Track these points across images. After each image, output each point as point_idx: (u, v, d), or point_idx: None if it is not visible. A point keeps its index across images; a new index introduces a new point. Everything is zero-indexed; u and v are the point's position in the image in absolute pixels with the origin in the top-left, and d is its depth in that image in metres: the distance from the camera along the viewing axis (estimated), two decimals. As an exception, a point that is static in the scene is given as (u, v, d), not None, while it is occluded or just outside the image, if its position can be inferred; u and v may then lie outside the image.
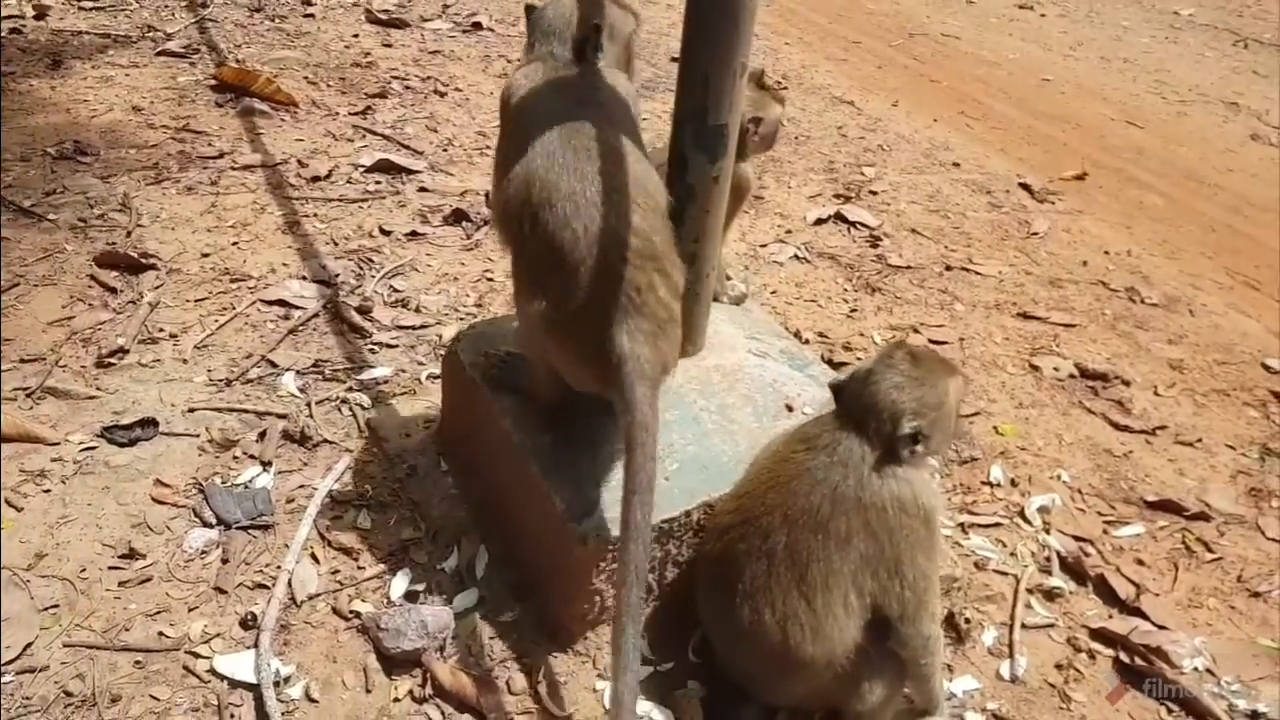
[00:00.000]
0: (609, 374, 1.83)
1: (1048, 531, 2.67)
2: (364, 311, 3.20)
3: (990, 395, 3.18)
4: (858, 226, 4.26)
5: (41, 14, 5.66)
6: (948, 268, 4.01)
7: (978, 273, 4.00)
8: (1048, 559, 2.58)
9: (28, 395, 2.66)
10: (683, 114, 2.02)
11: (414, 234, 3.76)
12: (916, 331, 3.48)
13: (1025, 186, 4.92)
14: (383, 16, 6.22)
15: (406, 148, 4.48)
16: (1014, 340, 3.55)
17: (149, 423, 2.58)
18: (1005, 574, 2.51)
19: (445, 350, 2.52)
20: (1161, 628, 2.38)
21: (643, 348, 1.82)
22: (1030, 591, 2.46)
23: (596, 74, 1.99)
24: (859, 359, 3.28)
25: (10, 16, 5.55)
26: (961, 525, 2.63)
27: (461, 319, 3.26)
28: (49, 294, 3.11)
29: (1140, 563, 2.62)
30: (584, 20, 2.00)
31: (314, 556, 2.26)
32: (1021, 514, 2.72)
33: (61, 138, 4.13)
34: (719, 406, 2.20)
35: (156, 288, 3.20)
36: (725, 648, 1.94)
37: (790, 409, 2.24)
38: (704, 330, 2.30)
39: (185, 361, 2.87)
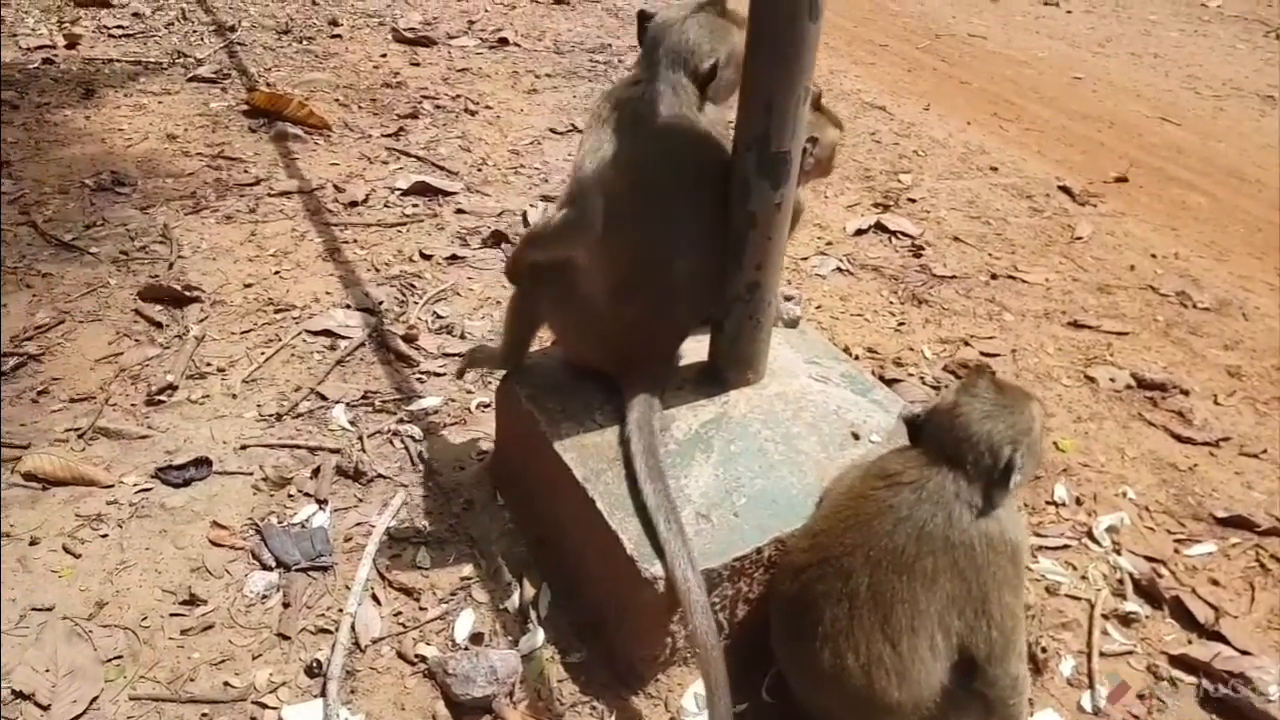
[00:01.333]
0: (653, 371, 2.21)
1: (1118, 552, 2.60)
2: (410, 340, 3.17)
3: (1047, 409, 3.11)
4: (899, 236, 4.20)
5: (73, 43, 5.69)
6: (993, 276, 3.94)
7: (1024, 280, 3.93)
8: (1120, 581, 2.51)
9: (79, 436, 2.65)
10: (745, 140, 1.97)
11: (454, 257, 3.73)
12: (967, 344, 3.41)
13: (1065, 189, 4.84)
14: (409, 35, 6.21)
15: (441, 169, 4.46)
16: (1067, 350, 3.48)
17: (202, 462, 2.56)
18: (1078, 599, 2.44)
19: (499, 382, 2.48)
20: (1244, 653, 2.31)
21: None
22: (1105, 617, 2.40)
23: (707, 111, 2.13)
24: (910, 374, 3.22)
25: (42, 46, 5.59)
26: (1030, 548, 2.57)
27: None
28: (95, 330, 3.10)
29: (1215, 583, 2.54)
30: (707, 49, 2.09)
31: (375, 598, 2.23)
32: (1089, 534, 2.65)
33: (99, 169, 4.14)
34: (784, 436, 2.15)
35: (201, 320, 3.18)
36: (805, 691, 1.89)
37: (856, 437, 2.18)
38: (765, 357, 2.25)
39: (234, 397, 2.85)
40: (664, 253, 2.08)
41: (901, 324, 3.53)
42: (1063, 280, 3.96)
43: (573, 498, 2.10)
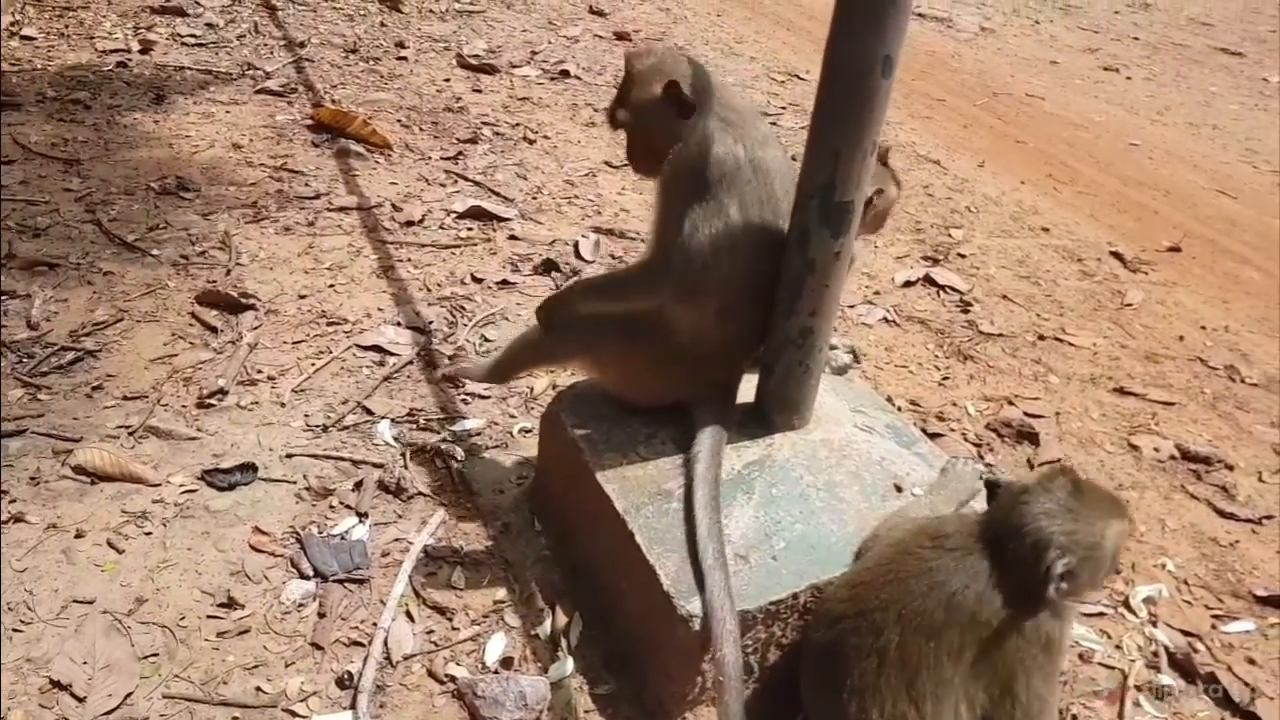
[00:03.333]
0: (726, 398, 2.28)
1: (1154, 624, 2.56)
2: (456, 361, 3.21)
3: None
4: (947, 290, 4.19)
5: (146, 49, 5.86)
6: (1040, 337, 3.92)
7: (1071, 344, 3.90)
8: (1155, 654, 2.47)
9: (130, 434, 2.70)
10: (808, 188, 2.00)
11: (505, 283, 3.78)
12: (1011, 404, 3.39)
13: (1117, 255, 4.81)
14: (473, 62, 6.33)
15: (497, 194, 4.53)
16: (1111, 417, 3.44)
17: (248, 467, 2.60)
18: (1111, 668, 2.40)
19: (545, 409, 2.51)
20: (1280, 737, 2.26)
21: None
22: (1139, 688, 2.35)
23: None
24: (952, 430, 3.21)
25: (117, 50, 5.76)
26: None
27: (550, 371, 3.25)
28: (151, 330, 3.17)
29: (1252, 662, 2.50)
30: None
31: (409, 614, 2.24)
32: (1126, 603, 2.61)
33: (164, 173, 4.25)
34: (826, 484, 2.14)
35: (255, 328, 3.24)
36: (831, 740, 1.87)
37: (899, 489, 2.18)
38: (812, 403, 2.26)
39: (283, 405, 2.89)
40: (769, 273, 2.14)
41: (946, 379, 3.52)
42: (1110, 346, 3.93)
43: (611, 529, 2.11)
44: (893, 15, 1.86)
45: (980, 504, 2.12)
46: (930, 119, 6.77)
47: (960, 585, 1.69)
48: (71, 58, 5.49)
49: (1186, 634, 2.55)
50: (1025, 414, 3.32)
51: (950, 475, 2.18)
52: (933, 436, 3.05)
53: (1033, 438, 3.19)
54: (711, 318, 2.16)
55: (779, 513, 2.06)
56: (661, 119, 2.10)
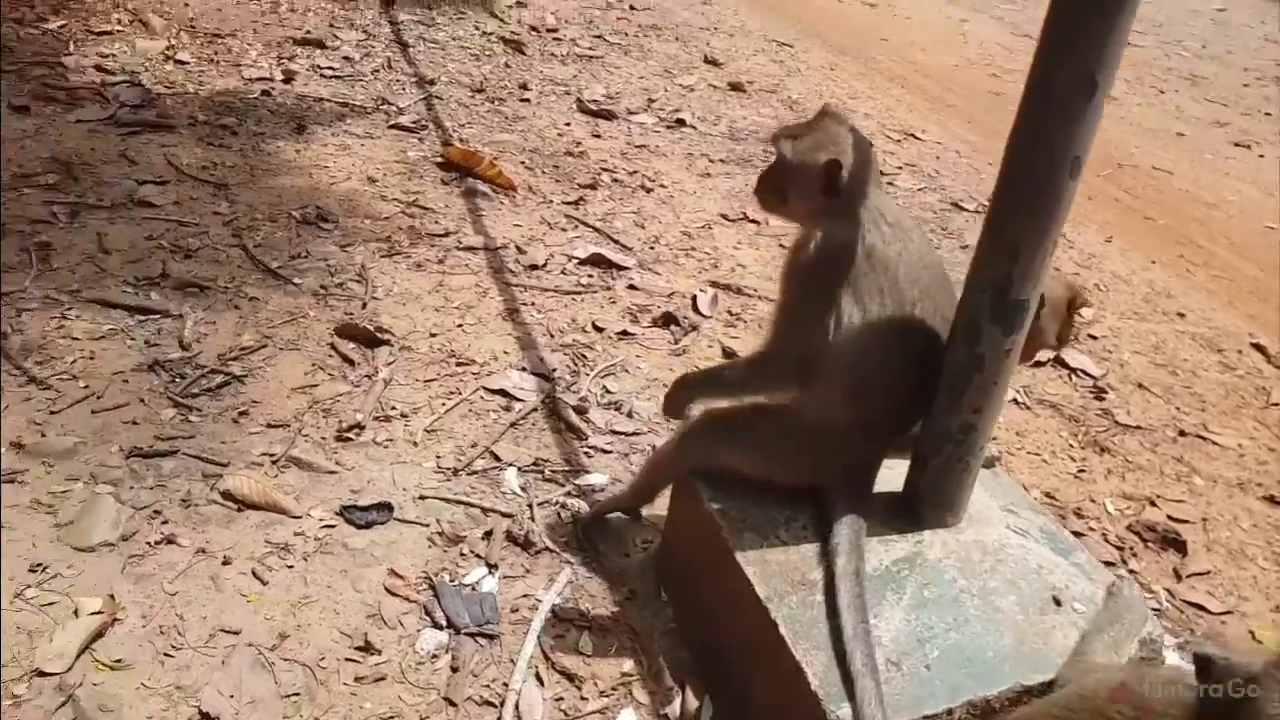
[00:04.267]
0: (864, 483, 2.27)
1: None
2: (580, 411, 3.22)
3: (1241, 592, 2.92)
4: (1079, 374, 4.06)
5: (289, 78, 6.09)
6: (1181, 433, 3.75)
7: (1215, 443, 3.73)
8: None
9: (273, 462, 2.77)
10: (980, 281, 1.95)
11: (624, 333, 3.79)
12: (1154, 504, 3.24)
13: (1259, 348, 4.60)
14: (592, 107, 6.41)
15: (616, 242, 4.56)
16: (1262, 528, 3.27)
17: (384, 507, 2.64)
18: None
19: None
20: None
21: None
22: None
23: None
24: (1092, 529, 3.08)
25: (262, 79, 6.00)
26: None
27: (671, 429, 3.23)
28: (293, 359, 3.25)
29: None
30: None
31: (539, 677, 2.23)
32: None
33: (305, 202, 4.38)
34: (980, 590, 2.07)
35: (390, 364, 3.30)
36: None
37: (1058, 603, 2.08)
38: (967, 501, 2.19)
39: (416, 444, 2.93)
40: (900, 363, 2.14)
41: (1082, 471, 3.39)
42: (1257, 449, 3.74)
43: (751, 615, 2.07)
44: (1086, 115, 1.82)
45: (1150, 628, 2.02)
46: (1055, 189, 6.61)
47: None
48: (220, 84, 5.74)
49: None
50: (1169, 517, 3.18)
51: (1119, 603, 2.05)
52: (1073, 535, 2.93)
53: (1179, 545, 3.04)
54: (837, 401, 2.14)
55: (931, 618, 1.99)
56: (805, 181, 2.13)
